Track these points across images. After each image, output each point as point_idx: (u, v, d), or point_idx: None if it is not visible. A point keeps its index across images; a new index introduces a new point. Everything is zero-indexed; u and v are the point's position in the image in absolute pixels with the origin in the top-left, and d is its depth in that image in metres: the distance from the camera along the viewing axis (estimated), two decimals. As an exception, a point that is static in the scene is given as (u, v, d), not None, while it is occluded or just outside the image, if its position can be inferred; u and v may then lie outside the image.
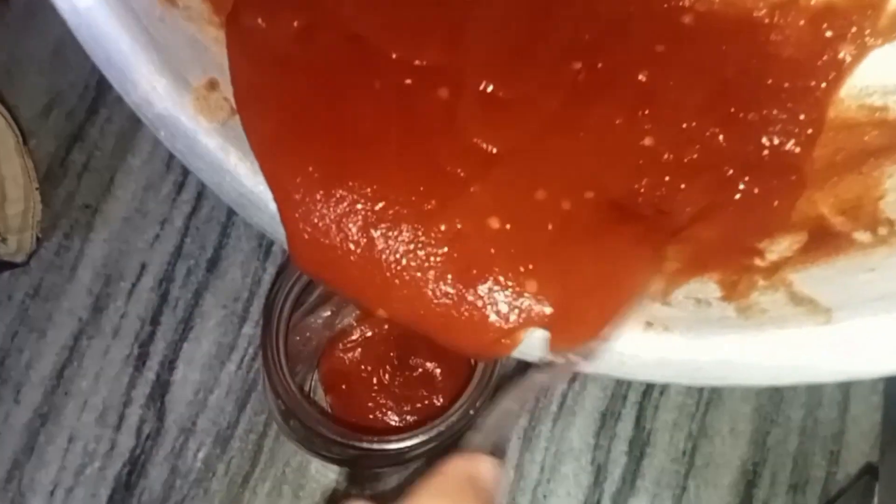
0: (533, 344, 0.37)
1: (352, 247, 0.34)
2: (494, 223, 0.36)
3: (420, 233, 0.35)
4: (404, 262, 0.35)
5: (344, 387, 0.50)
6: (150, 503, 0.53)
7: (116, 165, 0.57)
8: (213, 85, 0.36)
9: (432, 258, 0.35)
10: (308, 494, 0.53)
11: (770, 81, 0.42)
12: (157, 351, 0.54)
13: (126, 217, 0.56)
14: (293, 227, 0.34)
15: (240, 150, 0.35)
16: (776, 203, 0.41)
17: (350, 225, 0.34)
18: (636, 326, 0.38)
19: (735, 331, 0.36)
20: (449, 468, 0.31)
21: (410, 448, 0.44)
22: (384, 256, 0.35)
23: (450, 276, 0.36)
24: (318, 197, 0.34)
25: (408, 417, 0.50)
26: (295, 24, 0.36)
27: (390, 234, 0.34)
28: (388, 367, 0.51)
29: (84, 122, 0.58)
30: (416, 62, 0.36)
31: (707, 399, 0.55)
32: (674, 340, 0.37)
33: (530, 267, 0.36)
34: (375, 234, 0.33)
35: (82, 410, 0.53)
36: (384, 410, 0.49)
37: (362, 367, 0.51)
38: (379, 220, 0.33)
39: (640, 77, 0.42)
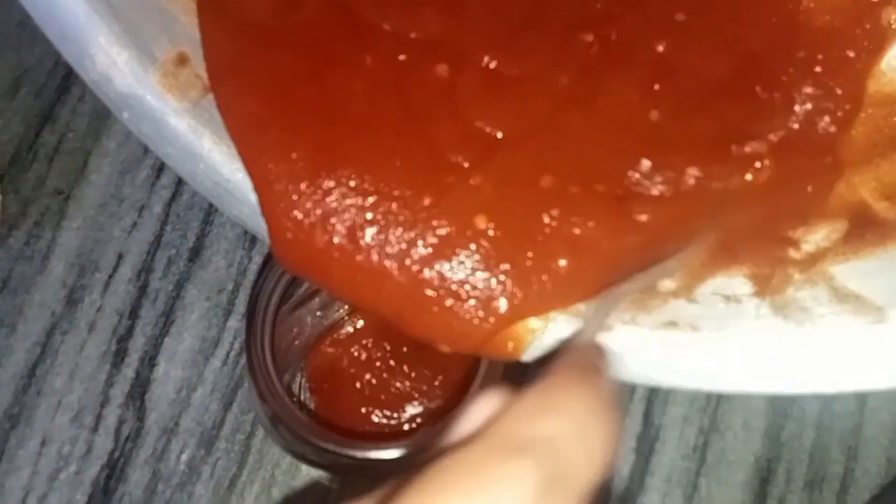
0: (546, 344, 0.33)
1: (340, 244, 0.29)
2: (489, 220, 0.32)
3: (416, 231, 0.30)
4: (397, 261, 0.31)
5: (327, 386, 0.46)
6: None
7: (90, 148, 0.54)
8: (182, 59, 0.32)
9: (427, 256, 0.31)
10: (299, 498, 0.51)
11: (801, 54, 0.38)
12: (136, 346, 0.51)
13: (101, 203, 0.53)
14: (275, 222, 0.30)
15: (214, 134, 0.31)
16: (810, 188, 0.37)
17: (338, 221, 0.29)
18: (659, 327, 0.33)
19: (773, 331, 0.33)
20: (559, 379, 0.25)
21: (408, 457, 0.39)
22: (374, 255, 0.31)
23: (446, 275, 0.31)
24: (303, 188, 0.29)
25: (402, 420, 0.46)
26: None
27: (382, 231, 0.30)
28: (380, 363, 0.47)
29: (54, 102, 0.55)
30: (412, 35, 0.31)
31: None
32: (703, 341, 0.33)
33: (529, 255, 0.32)
34: (366, 232, 0.29)
35: (56, 411, 0.50)
36: (376, 412, 0.45)
37: (351, 364, 0.46)
38: (370, 215, 0.29)
39: (658, 48, 0.37)
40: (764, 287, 0.35)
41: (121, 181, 0.54)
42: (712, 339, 0.33)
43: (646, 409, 0.53)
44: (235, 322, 0.52)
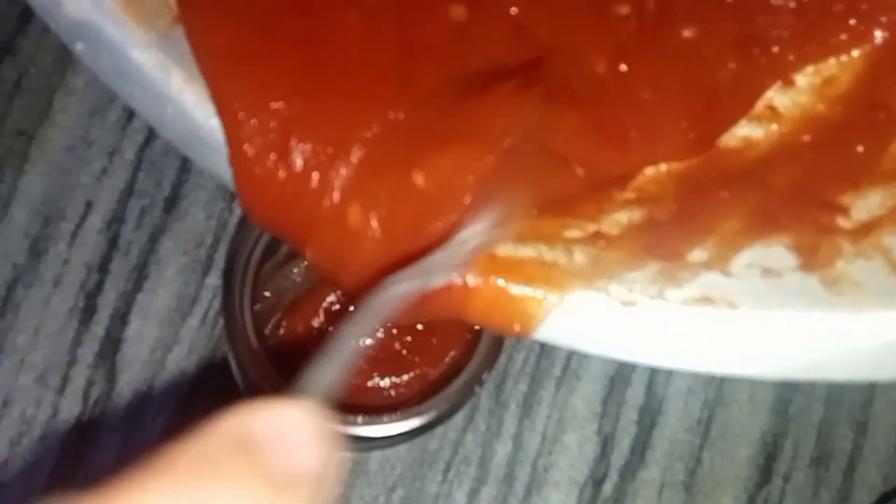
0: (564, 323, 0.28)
1: (318, 201, 0.24)
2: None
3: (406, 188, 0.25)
4: (382, 221, 0.26)
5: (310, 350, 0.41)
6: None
7: (55, 85, 0.50)
8: None
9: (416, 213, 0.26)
10: None
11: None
12: (106, 303, 0.48)
13: (68, 147, 0.49)
14: (244, 173, 0.25)
15: (185, 71, 0.26)
16: (861, 147, 0.32)
17: (318, 174, 0.24)
18: (690, 303, 0.29)
19: (822, 308, 0.29)
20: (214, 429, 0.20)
21: (399, 435, 0.35)
22: (356, 215, 0.25)
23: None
24: (279, 137, 0.24)
25: (397, 390, 0.41)
26: None
27: (369, 189, 0.24)
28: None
29: (15, 33, 0.50)
30: None
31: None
32: (742, 318, 0.28)
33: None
34: (348, 188, 0.24)
35: (19, 371, 0.47)
36: (366, 381, 0.40)
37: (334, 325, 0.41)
38: (357, 176, 0.24)
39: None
40: (810, 259, 0.30)
41: (89, 122, 0.50)
42: (752, 318, 0.29)
43: (649, 379, 0.50)
44: (215, 279, 0.49)
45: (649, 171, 0.32)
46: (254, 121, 0.24)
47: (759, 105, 0.33)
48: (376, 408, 0.39)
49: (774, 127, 0.33)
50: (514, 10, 0.26)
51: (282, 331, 0.43)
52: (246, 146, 0.25)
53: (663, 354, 0.29)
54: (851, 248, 0.30)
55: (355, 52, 0.25)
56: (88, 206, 0.49)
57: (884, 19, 0.33)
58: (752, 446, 0.49)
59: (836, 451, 0.49)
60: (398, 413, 0.36)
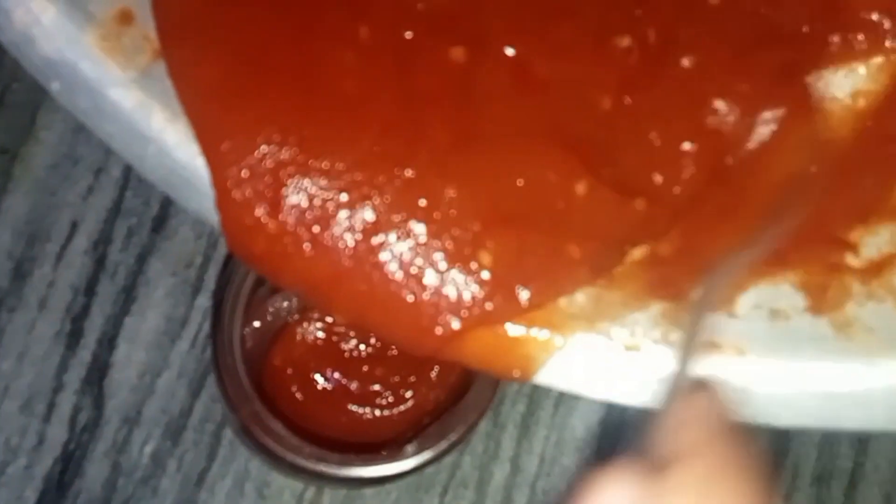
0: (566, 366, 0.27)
1: (308, 263, 0.23)
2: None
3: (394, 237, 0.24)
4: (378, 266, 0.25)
5: (301, 380, 0.40)
6: None
7: (39, 101, 0.48)
8: (126, 17, 0.26)
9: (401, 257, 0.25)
10: (275, 493, 0.46)
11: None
12: (93, 326, 0.47)
13: (52, 164, 0.48)
14: (231, 220, 0.23)
15: (167, 109, 0.25)
16: (868, 180, 0.31)
17: (310, 218, 0.23)
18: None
19: (834, 355, 0.28)
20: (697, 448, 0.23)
21: (395, 476, 0.34)
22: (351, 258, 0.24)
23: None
24: (269, 179, 0.23)
25: (392, 412, 0.40)
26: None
27: (364, 238, 0.23)
28: (364, 345, 0.41)
29: None
30: (420, 5, 0.24)
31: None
32: (751, 367, 0.28)
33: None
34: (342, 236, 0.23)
35: (3, 398, 0.46)
36: (357, 409, 0.39)
37: (327, 354, 0.41)
38: (347, 216, 0.22)
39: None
40: (819, 301, 0.29)
41: (74, 139, 0.48)
42: (761, 366, 0.27)
43: (649, 399, 0.48)
44: (204, 300, 0.47)
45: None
46: (243, 164, 0.23)
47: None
48: (373, 443, 0.38)
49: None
50: (510, 52, 0.25)
51: (273, 358, 0.42)
52: (235, 192, 0.23)
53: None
54: (861, 289, 0.29)
55: (354, 93, 0.24)
56: (74, 226, 0.47)
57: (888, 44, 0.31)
58: None
59: (837, 470, 0.49)
60: (396, 452, 0.35)
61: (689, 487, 0.22)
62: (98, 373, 0.46)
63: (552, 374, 0.28)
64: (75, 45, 0.24)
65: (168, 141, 0.25)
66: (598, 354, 0.28)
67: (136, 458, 0.46)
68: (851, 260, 0.30)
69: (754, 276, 0.30)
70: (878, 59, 0.31)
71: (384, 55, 0.24)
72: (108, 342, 0.46)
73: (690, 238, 0.31)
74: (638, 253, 0.30)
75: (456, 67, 0.25)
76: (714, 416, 0.24)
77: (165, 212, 0.48)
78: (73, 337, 0.46)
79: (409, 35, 0.24)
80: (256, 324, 0.39)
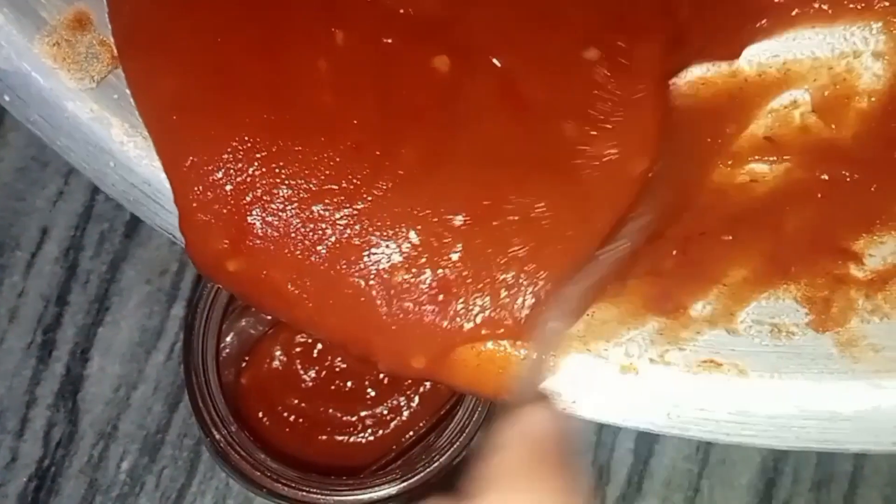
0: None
1: (277, 271, 0.22)
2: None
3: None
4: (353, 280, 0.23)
5: (274, 399, 0.38)
6: None
7: None
8: (81, 22, 0.24)
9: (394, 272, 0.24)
10: None
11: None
12: (65, 338, 0.45)
13: (20, 167, 0.46)
14: (196, 243, 0.22)
15: (126, 122, 0.24)
16: (874, 186, 0.30)
17: (280, 243, 0.21)
18: (696, 369, 0.26)
19: (838, 376, 0.27)
20: (510, 446, 0.24)
21: (390, 498, 0.32)
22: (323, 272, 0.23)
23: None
24: (236, 200, 0.21)
25: (374, 433, 0.38)
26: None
27: (330, 258, 0.22)
28: (341, 366, 0.40)
29: None
30: (402, 10, 0.23)
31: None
32: (751, 388, 0.26)
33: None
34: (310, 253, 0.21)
35: None
36: (340, 427, 0.38)
37: (304, 369, 0.39)
38: (314, 234, 0.21)
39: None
40: (823, 316, 0.28)
41: (43, 142, 0.46)
42: (765, 387, 0.26)
43: (645, 407, 0.47)
44: (180, 309, 0.46)
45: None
46: (207, 184, 0.21)
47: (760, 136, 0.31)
48: (356, 467, 0.36)
49: (783, 162, 0.30)
50: (497, 63, 0.23)
51: (243, 376, 0.40)
52: (199, 214, 0.22)
53: (666, 423, 0.27)
54: (866, 304, 0.28)
55: (327, 107, 0.22)
56: (44, 232, 0.46)
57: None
58: (752, 472, 0.47)
59: (836, 475, 0.47)
60: (381, 477, 0.34)
61: (498, 479, 0.23)
62: (72, 386, 0.45)
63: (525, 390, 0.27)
64: (25, 55, 0.22)
65: (129, 155, 0.24)
66: (594, 376, 0.27)
67: (113, 475, 0.44)
68: (856, 271, 0.29)
69: (756, 288, 0.29)
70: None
71: (362, 64, 0.23)
72: (81, 354, 0.45)
73: (689, 249, 0.29)
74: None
75: (439, 79, 0.23)
76: (537, 438, 0.24)
77: (139, 217, 0.46)
78: (45, 349, 0.45)
79: (389, 41, 0.23)
80: (230, 338, 0.38)
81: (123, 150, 0.24)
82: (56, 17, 0.23)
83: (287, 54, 0.23)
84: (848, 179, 0.30)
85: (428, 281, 0.23)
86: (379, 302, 0.23)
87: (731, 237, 0.29)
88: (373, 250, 0.22)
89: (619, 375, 0.27)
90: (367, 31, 0.23)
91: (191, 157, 0.22)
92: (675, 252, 0.29)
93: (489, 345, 0.26)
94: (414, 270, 0.23)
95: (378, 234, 0.22)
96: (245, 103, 0.22)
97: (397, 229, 0.22)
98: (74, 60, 0.23)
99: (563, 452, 0.24)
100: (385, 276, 0.23)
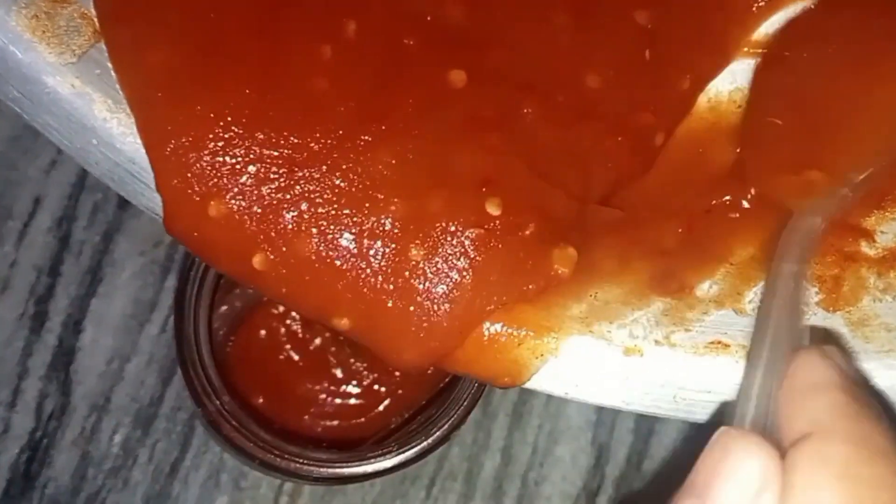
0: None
1: (261, 252, 0.21)
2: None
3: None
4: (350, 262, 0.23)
5: (268, 369, 0.38)
6: (57, 497, 0.44)
7: None
8: None
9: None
10: (252, 484, 0.44)
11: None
12: (58, 309, 0.45)
13: (12, 136, 0.46)
14: (177, 228, 0.21)
15: (109, 97, 0.23)
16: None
17: (263, 226, 0.20)
18: (703, 350, 0.25)
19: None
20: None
21: (369, 474, 0.32)
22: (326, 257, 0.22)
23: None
24: (219, 185, 0.20)
25: (372, 408, 0.38)
26: None
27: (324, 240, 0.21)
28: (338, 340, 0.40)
29: None
30: (429, 15, 0.22)
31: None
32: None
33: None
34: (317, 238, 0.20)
35: None
36: (336, 401, 0.37)
37: (299, 341, 0.39)
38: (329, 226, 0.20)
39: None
40: (834, 294, 0.27)
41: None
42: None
43: (647, 382, 0.47)
44: (174, 281, 0.45)
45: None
46: (189, 166, 0.21)
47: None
48: (351, 439, 0.36)
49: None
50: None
51: (230, 344, 0.40)
52: (180, 194, 0.21)
53: (672, 407, 0.26)
54: (879, 282, 0.27)
55: (318, 94, 0.21)
56: (37, 202, 0.46)
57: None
58: None
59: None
60: (376, 449, 0.33)
61: (826, 476, 0.19)
62: (64, 358, 0.45)
63: (546, 381, 0.26)
64: (2, 28, 0.21)
65: (112, 132, 0.23)
66: (596, 359, 0.26)
67: (106, 448, 0.44)
68: (867, 249, 0.28)
69: (765, 267, 0.28)
70: None
71: (368, 58, 0.22)
72: (74, 326, 0.45)
73: (694, 226, 0.28)
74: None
75: (448, 91, 0.22)
76: (841, 381, 0.21)
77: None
78: (38, 320, 0.45)
79: (410, 42, 0.22)
80: (223, 309, 0.37)
81: (106, 126, 0.23)
82: (34, -12, 0.22)
83: (288, 36, 0.22)
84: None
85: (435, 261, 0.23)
86: (373, 280, 0.22)
87: (737, 215, 0.29)
88: (345, 235, 0.22)
89: (623, 358, 0.26)
90: (383, 27, 0.22)
91: (173, 139, 0.21)
92: (679, 230, 0.28)
93: (497, 327, 0.25)
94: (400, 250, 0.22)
95: (357, 225, 0.22)
96: (235, 83, 0.21)
97: (376, 222, 0.22)
98: (54, 34, 0.22)
99: (869, 401, 0.21)
100: (368, 252, 0.22)
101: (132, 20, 0.23)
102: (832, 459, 0.19)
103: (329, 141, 0.20)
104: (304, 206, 0.20)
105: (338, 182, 0.20)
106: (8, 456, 0.44)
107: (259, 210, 0.21)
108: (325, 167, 0.20)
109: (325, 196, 0.20)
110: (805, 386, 0.21)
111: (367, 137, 0.21)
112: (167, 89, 0.22)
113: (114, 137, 0.23)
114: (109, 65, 0.23)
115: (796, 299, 0.24)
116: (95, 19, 0.22)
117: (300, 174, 0.20)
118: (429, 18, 0.22)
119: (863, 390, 0.21)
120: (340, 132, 0.20)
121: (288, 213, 0.20)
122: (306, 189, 0.20)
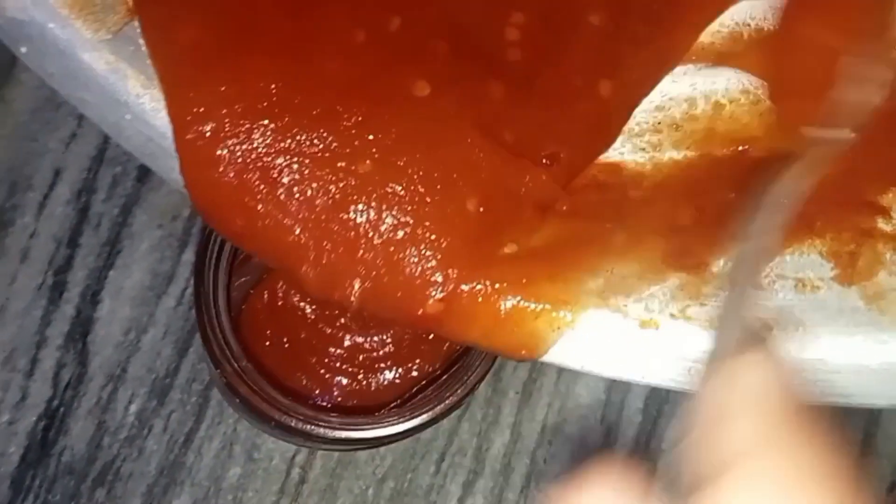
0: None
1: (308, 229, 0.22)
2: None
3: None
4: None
5: (284, 338, 0.38)
6: (72, 465, 0.45)
7: None
8: None
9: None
10: (265, 456, 0.45)
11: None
12: (76, 280, 0.46)
13: (34, 109, 0.46)
14: (203, 203, 0.22)
15: (143, 73, 0.24)
16: None
17: (281, 193, 0.22)
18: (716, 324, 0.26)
19: (865, 328, 0.27)
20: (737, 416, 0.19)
21: (385, 437, 0.33)
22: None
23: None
24: (242, 159, 0.21)
25: (388, 376, 0.39)
26: None
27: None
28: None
29: None
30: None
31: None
32: (775, 343, 0.26)
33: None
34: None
35: None
36: (343, 367, 0.38)
37: (315, 308, 0.39)
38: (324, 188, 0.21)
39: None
40: (849, 269, 0.28)
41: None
42: (787, 343, 0.26)
43: (657, 362, 0.47)
44: (191, 255, 0.46)
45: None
46: (212, 141, 0.21)
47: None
48: (366, 406, 0.37)
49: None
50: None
51: (245, 310, 0.40)
52: (202, 169, 0.22)
53: (687, 380, 0.27)
54: (895, 257, 0.28)
55: (349, 78, 0.22)
56: (57, 173, 0.46)
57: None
58: None
59: (846, 442, 0.48)
60: (390, 414, 0.34)
61: (735, 460, 0.18)
62: (81, 328, 0.45)
63: (562, 353, 0.27)
64: (43, 6, 0.22)
65: (145, 108, 0.24)
66: (612, 331, 0.27)
67: (122, 417, 0.45)
68: (883, 225, 0.29)
69: (780, 244, 0.29)
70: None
71: (405, 53, 0.22)
72: (92, 297, 0.45)
73: (706, 205, 0.29)
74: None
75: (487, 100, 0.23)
76: (772, 397, 0.19)
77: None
78: (56, 290, 0.45)
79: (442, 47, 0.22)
80: (244, 278, 0.38)
81: (140, 102, 0.23)
82: (72, -35, 0.23)
83: (324, 20, 0.22)
84: (875, 134, 0.30)
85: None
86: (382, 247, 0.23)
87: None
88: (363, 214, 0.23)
89: (639, 331, 0.27)
90: (431, 32, 0.23)
91: (196, 112, 0.22)
92: (691, 210, 0.29)
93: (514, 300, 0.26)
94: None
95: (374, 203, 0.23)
96: (263, 63, 0.22)
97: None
98: (91, 11, 0.23)
99: (807, 418, 0.19)
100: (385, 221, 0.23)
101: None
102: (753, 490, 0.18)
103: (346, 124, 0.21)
104: (323, 176, 0.21)
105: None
106: (25, 423, 0.44)
107: (280, 182, 0.22)
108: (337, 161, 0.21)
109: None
110: (730, 406, 0.20)
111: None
112: (194, 67, 0.22)
113: (146, 113, 0.23)
114: (142, 42, 0.23)
115: (751, 284, 0.23)
116: (131, -2, 0.23)
117: (317, 152, 0.21)
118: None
119: (797, 405, 0.20)
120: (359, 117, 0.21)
121: (308, 182, 0.21)
122: (316, 176, 0.21)
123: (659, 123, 0.29)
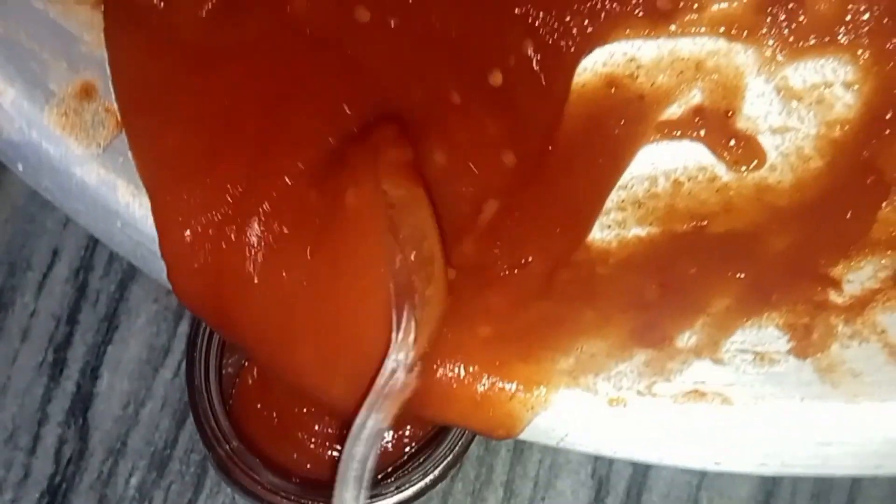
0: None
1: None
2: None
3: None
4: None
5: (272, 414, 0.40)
6: None
7: None
8: (87, 91, 0.25)
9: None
10: None
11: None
12: (75, 356, 0.47)
13: (31, 192, 0.43)
14: (187, 287, 0.23)
15: (131, 183, 0.25)
16: (849, 213, 0.31)
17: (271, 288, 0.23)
18: (682, 399, 0.28)
19: (819, 402, 0.28)
20: None
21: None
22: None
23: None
24: (217, 254, 0.23)
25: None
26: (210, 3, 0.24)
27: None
28: None
29: None
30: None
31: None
32: (736, 416, 0.27)
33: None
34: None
35: None
36: (328, 441, 0.39)
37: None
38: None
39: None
40: (804, 342, 0.29)
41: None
42: (750, 415, 0.28)
43: (644, 416, 0.48)
44: (187, 327, 0.47)
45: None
46: (192, 243, 0.23)
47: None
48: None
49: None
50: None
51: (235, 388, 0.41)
52: (184, 276, 0.23)
53: (655, 453, 0.28)
54: (846, 329, 0.29)
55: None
56: (55, 253, 0.47)
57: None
58: (750, 484, 0.48)
59: (836, 486, 0.48)
60: (389, 484, 0.35)
61: None
62: (82, 404, 0.46)
63: (538, 432, 0.28)
64: (36, 125, 0.24)
65: (135, 215, 0.25)
66: (584, 409, 0.28)
67: (122, 491, 0.45)
68: (835, 297, 0.30)
69: (740, 316, 0.30)
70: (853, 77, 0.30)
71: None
72: (92, 372, 0.46)
73: (670, 280, 0.31)
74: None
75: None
76: None
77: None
78: (57, 367, 0.46)
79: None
80: (234, 357, 0.39)
81: (129, 210, 0.25)
82: (63, 89, 0.24)
83: (288, 113, 0.24)
84: (824, 207, 0.31)
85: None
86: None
87: (698, 269, 0.30)
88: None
89: (609, 408, 0.28)
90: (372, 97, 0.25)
91: (180, 218, 0.23)
92: (655, 286, 0.30)
93: (489, 382, 0.28)
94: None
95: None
96: (235, 157, 0.24)
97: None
98: (82, 128, 0.24)
99: None
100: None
101: (148, 110, 0.25)
102: None
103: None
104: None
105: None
106: (28, 501, 0.45)
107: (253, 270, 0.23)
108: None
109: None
110: None
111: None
112: (173, 174, 0.24)
113: (136, 220, 0.25)
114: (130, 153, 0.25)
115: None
116: (118, 112, 0.25)
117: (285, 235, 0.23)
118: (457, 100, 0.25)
119: None
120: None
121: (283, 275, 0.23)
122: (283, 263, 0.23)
123: (623, 202, 0.30)
